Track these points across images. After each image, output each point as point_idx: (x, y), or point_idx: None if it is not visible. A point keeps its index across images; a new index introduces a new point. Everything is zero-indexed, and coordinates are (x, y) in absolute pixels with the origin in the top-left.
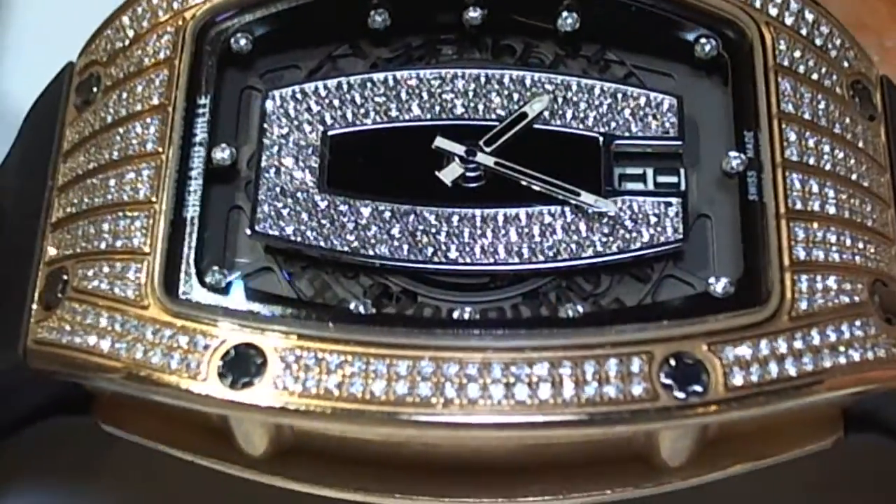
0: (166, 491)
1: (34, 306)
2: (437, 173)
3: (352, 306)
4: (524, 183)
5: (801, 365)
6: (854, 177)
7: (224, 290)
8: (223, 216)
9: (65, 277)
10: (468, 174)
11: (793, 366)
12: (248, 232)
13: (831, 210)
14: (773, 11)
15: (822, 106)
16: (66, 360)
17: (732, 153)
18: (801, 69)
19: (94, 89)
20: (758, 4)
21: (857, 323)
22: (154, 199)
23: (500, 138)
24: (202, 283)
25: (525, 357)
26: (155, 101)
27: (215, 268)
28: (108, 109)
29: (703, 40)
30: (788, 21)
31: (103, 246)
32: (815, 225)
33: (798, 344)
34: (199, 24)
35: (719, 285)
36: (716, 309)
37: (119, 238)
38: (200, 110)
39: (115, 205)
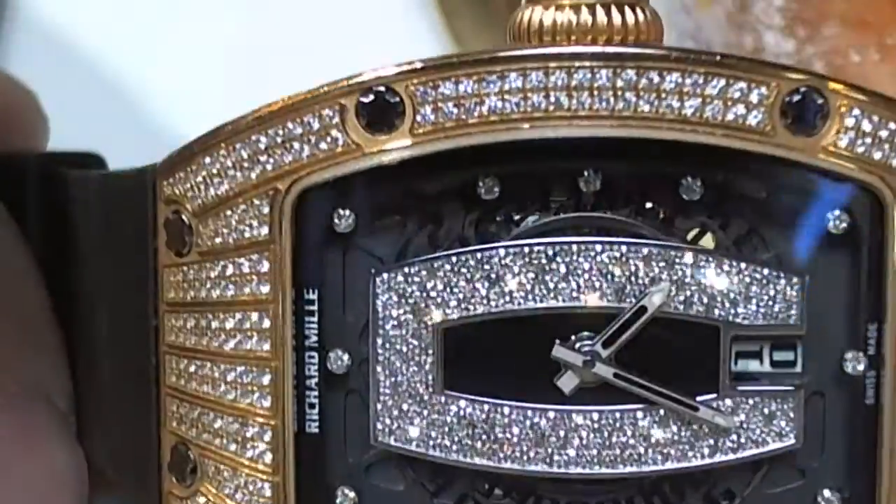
0: None
1: (164, 470)
2: (555, 382)
3: None
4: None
5: None
6: None
7: None
8: (342, 423)
9: (192, 460)
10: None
11: None
12: (373, 442)
13: None
14: None
15: None
16: None
17: (852, 353)
18: None
19: (186, 239)
20: (894, 163)
21: None
22: (276, 412)
23: (619, 338)
24: None
25: None
26: (263, 293)
27: (345, 489)
28: (210, 283)
29: (834, 213)
30: None
31: (230, 450)
32: None
33: None
34: (295, 200)
35: None
36: None
37: (247, 448)
38: (309, 307)
39: (235, 409)
